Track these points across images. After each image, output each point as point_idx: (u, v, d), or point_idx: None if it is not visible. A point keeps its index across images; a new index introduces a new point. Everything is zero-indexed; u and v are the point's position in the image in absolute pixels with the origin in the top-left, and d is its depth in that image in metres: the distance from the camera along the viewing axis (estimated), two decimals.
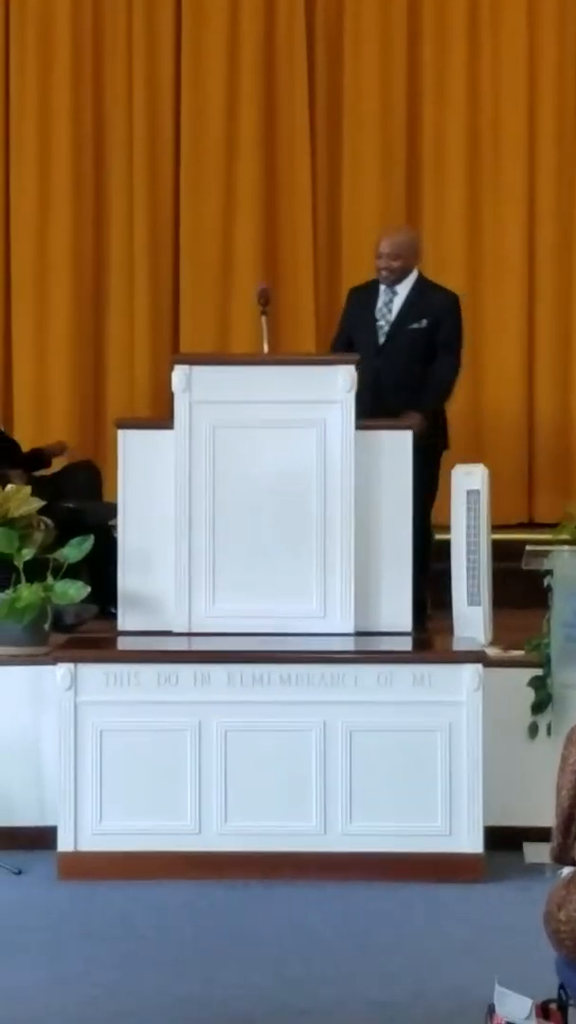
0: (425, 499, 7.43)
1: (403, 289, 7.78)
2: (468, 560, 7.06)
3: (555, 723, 6.51)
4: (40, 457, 8.72)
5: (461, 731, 6.31)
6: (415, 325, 7.71)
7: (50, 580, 6.81)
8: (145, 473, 6.98)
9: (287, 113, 9.93)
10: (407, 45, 9.89)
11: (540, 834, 5.67)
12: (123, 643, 6.83)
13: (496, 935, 5.65)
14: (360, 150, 9.86)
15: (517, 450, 9.74)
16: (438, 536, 7.66)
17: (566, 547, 6.74)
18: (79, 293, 9.91)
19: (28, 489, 7.21)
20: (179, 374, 6.96)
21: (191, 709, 6.35)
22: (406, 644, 6.81)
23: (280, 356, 7.80)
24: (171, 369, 7.04)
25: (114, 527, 7.19)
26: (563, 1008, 4.11)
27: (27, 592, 6.75)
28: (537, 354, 9.88)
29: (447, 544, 7.19)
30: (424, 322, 7.71)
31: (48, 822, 6.48)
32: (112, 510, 7.30)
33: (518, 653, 6.84)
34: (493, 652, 6.79)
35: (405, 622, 6.93)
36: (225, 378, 6.99)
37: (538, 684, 6.64)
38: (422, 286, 7.84)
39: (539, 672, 6.65)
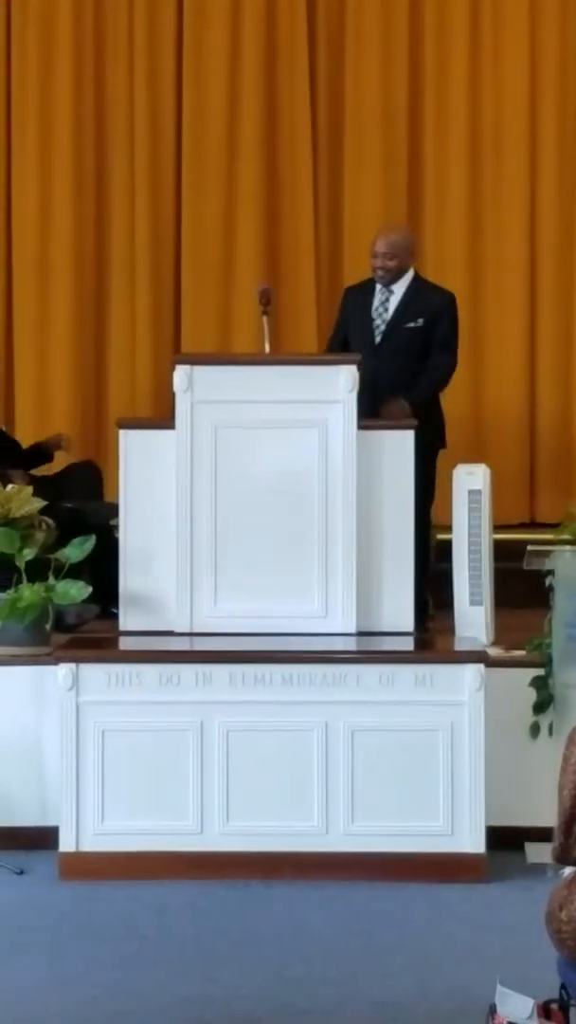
0: (423, 499, 7.42)
1: (399, 288, 7.77)
2: (470, 560, 7.06)
3: (557, 723, 6.51)
4: (41, 452, 8.73)
5: (463, 731, 6.31)
6: (411, 324, 7.71)
7: (52, 580, 6.81)
8: (146, 473, 6.98)
9: (289, 113, 9.94)
10: (408, 44, 9.89)
11: (542, 834, 5.68)
12: (125, 643, 6.83)
13: (498, 935, 5.64)
14: (361, 150, 9.87)
15: (519, 450, 9.74)
16: (440, 536, 7.66)
17: (568, 547, 6.74)
18: (80, 293, 9.91)
19: (30, 489, 7.21)
20: (180, 374, 6.96)
21: (193, 709, 6.35)
22: (408, 644, 6.81)
23: (281, 356, 7.80)
24: (172, 369, 7.04)
25: (115, 527, 7.19)
26: (565, 1008, 4.11)
27: (29, 592, 6.75)
28: (539, 354, 9.88)
29: (449, 544, 7.19)
30: (421, 321, 7.70)
31: (50, 822, 6.49)
32: (113, 510, 7.30)
33: (520, 653, 6.84)
34: (495, 652, 6.79)
35: (407, 622, 6.93)
36: (226, 378, 6.98)
37: (540, 684, 6.63)
38: (418, 285, 7.83)
39: (541, 672, 6.65)
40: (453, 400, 8.13)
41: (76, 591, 6.80)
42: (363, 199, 9.81)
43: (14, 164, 9.94)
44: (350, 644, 6.74)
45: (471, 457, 7.85)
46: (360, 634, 6.84)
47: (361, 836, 6.31)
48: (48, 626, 6.91)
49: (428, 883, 6.18)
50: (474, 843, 6.30)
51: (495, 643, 7.00)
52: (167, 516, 6.91)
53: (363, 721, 6.34)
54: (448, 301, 7.81)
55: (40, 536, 7.06)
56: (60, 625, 7.18)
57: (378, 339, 7.72)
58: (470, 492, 7.08)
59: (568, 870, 4.07)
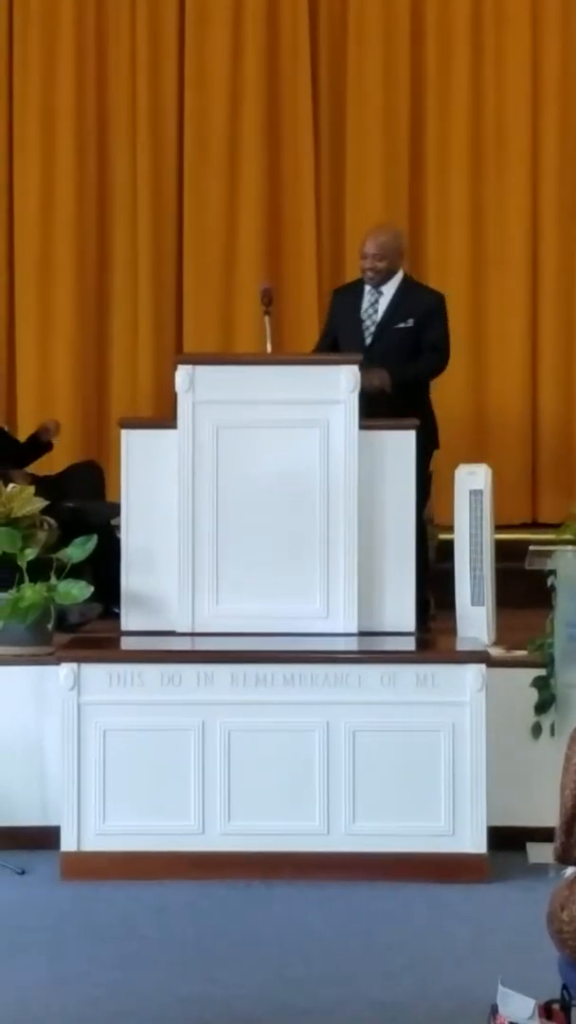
0: (417, 500, 7.40)
1: (389, 289, 7.74)
2: (471, 560, 7.06)
3: (558, 723, 6.50)
4: (37, 443, 8.72)
5: (464, 731, 6.31)
6: (402, 325, 7.68)
7: (53, 580, 6.81)
8: (148, 473, 6.98)
9: (291, 113, 9.94)
10: (410, 45, 9.90)
11: (543, 834, 5.67)
12: (126, 643, 6.83)
13: (499, 935, 5.64)
14: (364, 150, 9.87)
15: (520, 450, 9.74)
16: (442, 536, 7.65)
17: (569, 547, 6.74)
18: (82, 293, 9.92)
19: (31, 489, 7.21)
20: (182, 374, 6.96)
21: (194, 709, 6.35)
22: (409, 644, 6.81)
23: (283, 356, 7.81)
24: (174, 369, 7.04)
25: (117, 527, 7.20)
26: (566, 1008, 4.10)
27: (30, 592, 6.75)
28: (540, 354, 9.88)
29: (451, 544, 7.19)
30: (411, 322, 7.68)
31: (51, 822, 6.48)
32: (115, 510, 7.30)
33: (521, 653, 6.84)
34: (496, 652, 6.79)
35: (408, 622, 6.93)
36: (228, 378, 6.98)
37: (541, 684, 6.63)
38: (408, 286, 7.81)
39: (542, 672, 6.64)
40: (454, 400, 8.14)
41: (78, 591, 6.80)
42: (365, 199, 9.81)
43: (16, 164, 9.94)
44: (351, 644, 6.73)
45: (473, 457, 7.86)
46: (361, 634, 6.83)
47: (362, 836, 6.31)
48: (50, 626, 6.91)
49: (429, 883, 6.17)
50: (475, 843, 6.30)
51: (497, 643, 7.00)
52: (169, 516, 6.91)
53: (364, 721, 6.33)
54: (438, 301, 7.79)
55: (42, 536, 7.06)
56: (62, 625, 7.18)
57: (368, 340, 7.69)
58: (472, 492, 7.08)
59: (570, 870, 4.07)
